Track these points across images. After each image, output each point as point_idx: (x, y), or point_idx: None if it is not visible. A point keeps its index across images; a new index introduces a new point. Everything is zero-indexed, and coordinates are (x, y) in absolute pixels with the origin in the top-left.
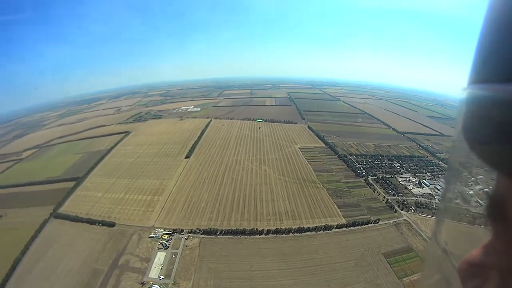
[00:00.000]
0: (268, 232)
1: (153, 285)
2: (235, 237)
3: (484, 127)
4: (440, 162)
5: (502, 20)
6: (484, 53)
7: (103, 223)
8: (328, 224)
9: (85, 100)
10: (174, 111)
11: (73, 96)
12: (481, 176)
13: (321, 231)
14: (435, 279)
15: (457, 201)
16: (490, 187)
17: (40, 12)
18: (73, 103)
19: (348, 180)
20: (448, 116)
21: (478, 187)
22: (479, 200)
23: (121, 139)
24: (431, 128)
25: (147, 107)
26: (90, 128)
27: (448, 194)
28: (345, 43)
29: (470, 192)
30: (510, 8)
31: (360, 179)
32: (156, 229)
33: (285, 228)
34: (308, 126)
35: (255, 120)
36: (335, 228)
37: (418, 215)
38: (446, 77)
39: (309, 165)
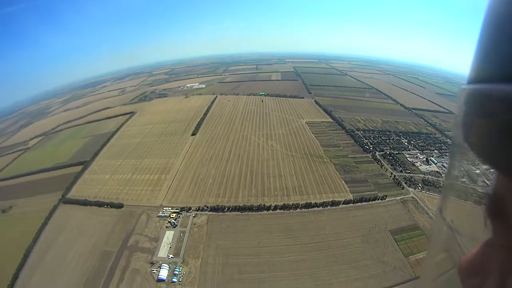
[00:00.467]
0: (276, 208)
1: (163, 264)
2: (243, 213)
3: (483, 126)
4: (447, 140)
5: (502, 19)
6: (484, 53)
7: (112, 205)
8: (335, 199)
9: (90, 83)
10: (179, 89)
11: (78, 81)
12: (481, 174)
13: (328, 207)
14: (440, 256)
15: (462, 178)
16: (490, 186)
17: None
18: (77, 88)
19: (355, 156)
20: (456, 93)
21: (478, 183)
22: (484, 178)
23: (127, 120)
24: (439, 105)
25: (151, 86)
26: (95, 111)
27: (453, 171)
28: (354, 17)
29: (475, 171)
30: (509, 8)
31: (368, 154)
32: (164, 208)
33: (292, 204)
34: (315, 101)
35: (257, 94)
36: (342, 204)
37: (425, 192)
38: (454, 54)
39: (316, 140)
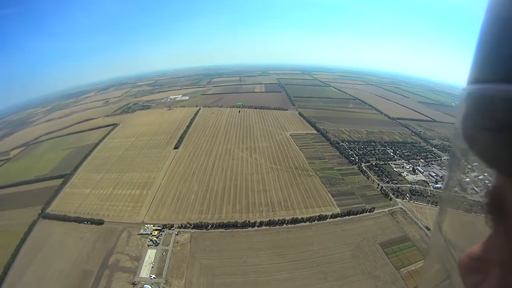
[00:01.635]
0: (261, 224)
1: (145, 285)
2: (227, 230)
3: (483, 126)
4: (433, 149)
5: (502, 20)
6: (484, 53)
7: (92, 221)
8: (322, 214)
9: (73, 93)
10: (163, 100)
11: (61, 90)
12: (481, 174)
13: (316, 222)
14: (437, 270)
15: (460, 191)
16: (490, 184)
17: (23, 5)
18: (61, 97)
19: (341, 168)
20: (439, 102)
21: (479, 178)
22: (480, 191)
23: (109, 132)
24: (423, 114)
25: (135, 97)
26: (78, 122)
27: (451, 183)
28: (336, 28)
29: (471, 183)
30: (509, 8)
31: (353, 166)
32: (146, 225)
33: (278, 220)
34: (299, 113)
35: (236, 105)
36: (330, 218)
37: (413, 202)
38: (436, 63)
39: (301, 153)
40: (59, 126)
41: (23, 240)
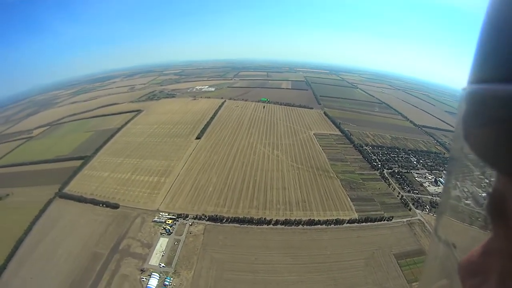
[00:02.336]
0: (277, 222)
1: (153, 273)
2: (242, 225)
3: (484, 127)
4: None
5: (502, 20)
6: (484, 53)
7: (107, 205)
8: (339, 218)
9: (99, 78)
10: (188, 90)
11: (88, 75)
12: (481, 174)
13: (332, 225)
14: (436, 272)
15: (458, 197)
16: (490, 186)
17: None
18: (87, 81)
19: (362, 172)
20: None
21: (478, 184)
22: (479, 197)
23: (132, 118)
24: (449, 124)
25: (161, 85)
26: (102, 106)
27: (449, 189)
28: (365, 29)
29: (471, 189)
30: (510, 8)
31: (375, 171)
32: (160, 213)
33: (295, 220)
34: (324, 112)
35: (260, 100)
36: (347, 223)
37: (433, 215)
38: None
39: (323, 153)
40: (83, 109)
41: (37, 217)
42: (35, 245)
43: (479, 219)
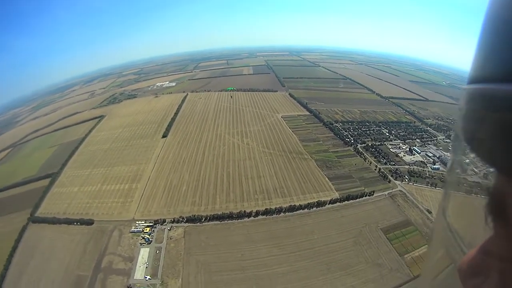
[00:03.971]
0: (257, 213)
1: None
2: (222, 222)
3: (483, 126)
4: (428, 128)
5: (502, 19)
6: (484, 53)
7: (81, 222)
8: (320, 199)
9: (58, 88)
10: (149, 88)
11: (46, 87)
12: (481, 174)
13: (314, 208)
14: (441, 256)
15: (465, 175)
16: (490, 185)
17: None
18: (46, 94)
19: (336, 149)
20: (430, 81)
21: (480, 179)
22: (484, 176)
23: (95, 125)
24: (415, 93)
25: (121, 87)
26: (64, 117)
27: (455, 167)
28: (321, 9)
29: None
30: (510, 7)
31: (349, 147)
32: (137, 222)
33: (275, 208)
34: (289, 94)
35: (226, 90)
36: (329, 203)
37: (413, 184)
38: (424, 42)
39: (294, 135)
40: (45, 123)
41: (14, 248)
42: (17, 278)
43: (484, 197)
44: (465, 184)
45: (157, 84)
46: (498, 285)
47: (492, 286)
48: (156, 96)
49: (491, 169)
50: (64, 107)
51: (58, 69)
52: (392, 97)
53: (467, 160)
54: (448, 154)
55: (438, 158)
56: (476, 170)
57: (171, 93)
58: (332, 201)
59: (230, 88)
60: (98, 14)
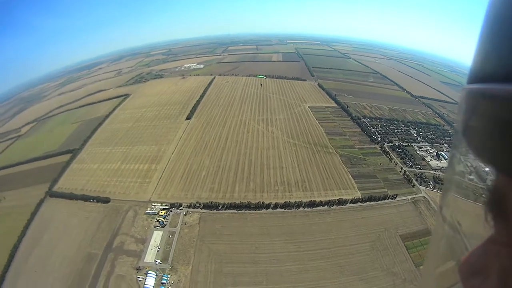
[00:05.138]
0: (276, 206)
1: (149, 272)
2: (239, 211)
3: (483, 126)
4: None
5: (502, 19)
6: (484, 52)
7: (98, 199)
8: (342, 198)
9: (86, 66)
10: (177, 69)
11: (74, 64)
12: (481, 174)
13: (335, 206)
14: (442, 255)
15: (464, 173)
16: (490, 185)
17: None
18: (73, 71)
19: (362, 146)
20: (462, 84)
21: (479, 178)
22: (485, 175)
23: (120, 103)
24: (446, 95)
25: (148, 67)
26: (89, 94)
27: (455, 164)
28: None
29: (477, 166)
30: (510, 7)
31: (376, 145)
32: (153, 204)
33: (295, 202)
34: (318, 84)
35: (256, 76)
36: (350, 202)
37: (437, 191)
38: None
39: (321, 127)
40: (70, 99)
41: (29, 221)
42: (30, 251)
43: (483, 196)
44: (465, 183)
45: (184, 66)
46: (498, 284)
47: (492, 285)
48: (183, 77)
49: (491, 169)
50: (90, 84)
51: (87, 47)
52: (422, 97)
53: (467, 160)
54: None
55: None
56: (476, 170)
57: (198, 75)
58: (354, 201)
59: (260, 76)
60: None
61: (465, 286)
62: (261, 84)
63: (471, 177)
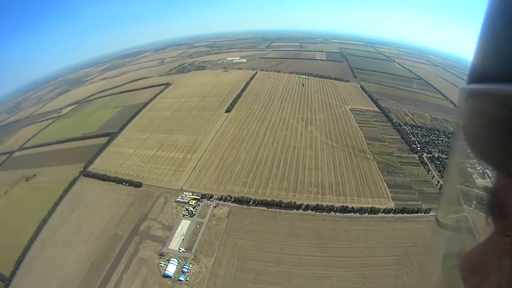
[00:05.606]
0: (307, 207)
1: (171, 259)
2: (269, 209)
3: (483, 126)
4: None
5: (502, 19)
6: (484, 52)
7: (130, 183)
8: (375, 206)
9: (130, 53)
10: (219, 62)
11: (119, 51)
12: (481, 174)
13: (366, 214)
14: (442, 254)
15: (462, 180)
16: (490, 184)
17: None
18: (118, 57)
19: (401, 155)
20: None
21: (479, 178)
22: (480, 189)
23: (161, 92)
24: None
25: (191, 58)
26: (132, 81)
27: (455, 166)
28: (403, 2)
29: (472, 181)
30: (510, 7)
31: (414, 155)
32: (184, 193)
33: (327, 206)
34: (361, 86)
35: (298, 75)
36: (382, 212)
37: (477, 212)
38: None
39: (360, 131)
40: (112, 85)
41: (61, 197)
42: (58, 225)
43: (481, 210)
44: (465, 183)
45: (227, 59)
46: (498, 283)
47: (492, 284)
48: (225, 70)
49: (492, 169)
50: (133, 71)
51: (135, 36)
52: None
53: (467, 159)
54: None
55: None
56: (476, 170)
57: (240, 69)
58: (386, 211)
59: (303, 76)
60: None
61: (465, 285)
62: (303, 84)
63: (471, 178)
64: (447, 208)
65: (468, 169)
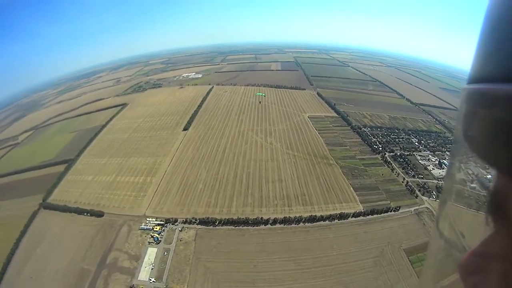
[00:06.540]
0: (275, 221)
1: None
2: (237, 227)
3: (483, 126)
4: None
5: (502, 19)
6: (484, 52)
7: (92, 213)
8: (343, 211)
9: (85, 74)
10: (175, 78)
11: (73, 72)
12: (481, 174)
13: (336, 221)
14: (437, 268)
15: (463, 182)
16: (491, 184)
17: None
18: (73, 79)
19: (363, 157)
20: (460, 89)
21: (479, 178)
22: (481, 189)
23: (117, 113)
24: (445, 101)
25: (147, 76)
26: (87, 103)
27: (451, 180)
28: (352, 7)
29: (472, 181)
30: (510, 7)
31: (377, 155)
32: (147, 219)
33: (295, 217)
34: (318, 93)
35: (255, 92)
36: (352, 216)
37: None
38: (455, 48)
39: (320, 138)
40: (68, 108)
41: (23, 233)
42: (23, 264)
43: (481, 211)
44: (465, 183)
45: (183, 75)
46: (498, 284)
47: (492, 284)
48: (181, 87)
49: (492, 169)
50: (89, 93)
51: (87, 55)
52: (422, 104)
53: (468, 159)
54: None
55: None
56: (476, 170)
57: (196, 84)
58: (356, 214)
59: (259, 93)
60: (128, 2)
61: (465, 285)
62: (259, 102)
63: (471, 178)
64: (447, 208)
65: (469, 169)
